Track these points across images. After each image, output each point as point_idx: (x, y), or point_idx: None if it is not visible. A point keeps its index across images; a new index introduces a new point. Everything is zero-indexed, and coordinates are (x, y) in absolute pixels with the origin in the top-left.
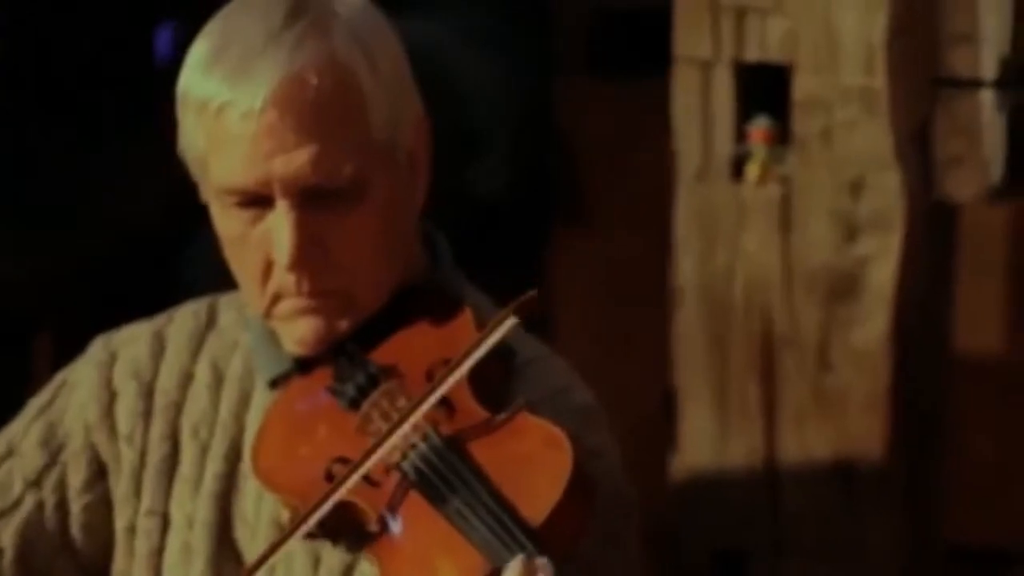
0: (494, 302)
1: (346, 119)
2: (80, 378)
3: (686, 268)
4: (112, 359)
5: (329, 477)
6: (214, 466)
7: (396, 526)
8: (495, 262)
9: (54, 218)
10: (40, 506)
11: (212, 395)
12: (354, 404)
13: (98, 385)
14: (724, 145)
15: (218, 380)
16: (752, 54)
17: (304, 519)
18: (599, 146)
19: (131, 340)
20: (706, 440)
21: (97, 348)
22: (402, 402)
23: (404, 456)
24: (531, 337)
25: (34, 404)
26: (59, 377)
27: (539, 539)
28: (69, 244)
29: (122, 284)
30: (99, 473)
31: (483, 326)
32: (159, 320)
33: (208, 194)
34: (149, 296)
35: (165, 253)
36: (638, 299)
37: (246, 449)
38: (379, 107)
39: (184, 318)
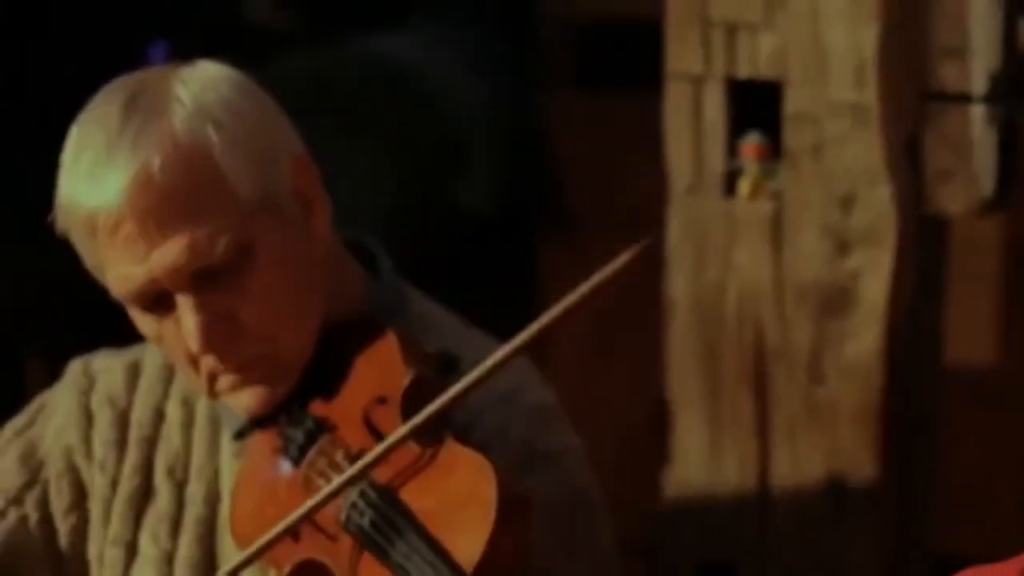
0: (474, 324)
1: (206, 197)
2: (59, 402)
3: (678, 282)
4: (91, 384)
5: (295, 537)
6: (195, 509)
7: None
8: (483, 275)
9: (44, 240)
10: (24, 520)
11: (184, 435)
12: (296, 463)
13: (77, 409)
14: (716, 161)
15: (189, 419)
16: (743, 70)
17: (239, 567)
18: (586, 159)
19: (108, 369)
20: (698, 453)
21: (75, 372)
22: (339, 456)
23: (347, 516)
24: (483, 338)
25: (12, 426)
26: (38, 400)
27: None
28: (59, 266)
29: (112, 307)
30: (82, 495)
31: (411, 348)
32: (135, 350)
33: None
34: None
35: None
36: (626, 311)
37: (223, 492)
38: (240, 171)
39: (156, 349)
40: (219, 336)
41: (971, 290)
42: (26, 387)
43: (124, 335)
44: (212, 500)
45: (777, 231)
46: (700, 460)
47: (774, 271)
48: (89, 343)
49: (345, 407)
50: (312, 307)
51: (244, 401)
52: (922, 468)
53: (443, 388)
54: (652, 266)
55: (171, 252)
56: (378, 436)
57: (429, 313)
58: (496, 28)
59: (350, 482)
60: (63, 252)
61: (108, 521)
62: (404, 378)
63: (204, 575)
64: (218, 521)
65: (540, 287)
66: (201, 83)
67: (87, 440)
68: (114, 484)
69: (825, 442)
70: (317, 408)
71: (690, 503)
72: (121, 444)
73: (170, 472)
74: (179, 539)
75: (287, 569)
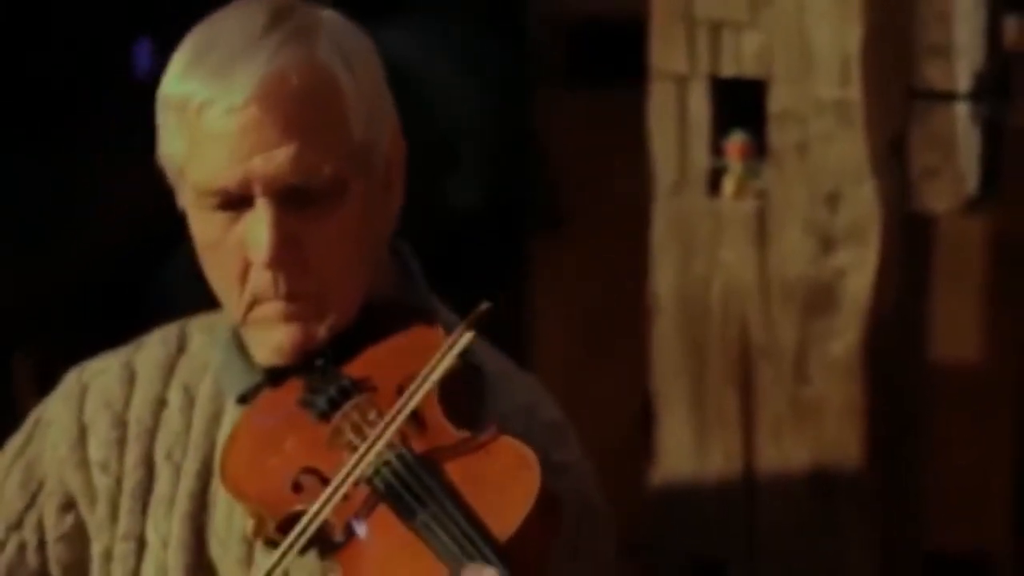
0: (463, 319)
1: (327, 120)
2: (53, 416)
3: (663, 280)
4: (83, 392)
5: (296, 487)
6: (186, 484)
7: (361, 534)
8: (472, 274)
9: (31, 238)
10: (22, 547)
11: (184, 417)
12: (324, 416)
13: (70, 420)
14: (700, 159)
15: (189, 402)
16: (728, 68)
17: (294, 541)
18: (576, 157)
19: (102, 372)
20: (684, 450)
21: (69, 382)
22: (373, 415)
23: (376, 471)
24: (498, 352)
25: (11, 446)
26: (33, 415)
27: (505, 555)
28: (46, 264)
29: (100, 303)
30: (69, 505)
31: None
32: (128, 349)
33: (186, 199)
34: (127, 315)
35: (142, 271)
36: (615, 309)
37: (217, 467)
38: (358, 113)
39: (153, 346)
40: (285, 256)
41: (956, 288)
42: (13, 385)
43: (115, 334)
44: (205, 474)
45: (762, 229)
46: (685, 457)
47: (759, 269)
48: (78, 341)
49: (381, 376)
50: (366, 272)
51: (277, 338)
52: (911, 465)
53: (476, 391)
54: (642, 266)
55: (278, 158)
56: (412, 412)
57: (452, 325)
58: (487, 26)
59: (387, 441)
60: (53, 251)
61: (116, 518)
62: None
63: (192, 557)
64: (208, 496)
65: (531, 284)
66: (340, 26)
67: (81, 449)
68: (119, 481)
69: (811, 439)
70: (351, 371)
71: (676, 500)
72: (121, 442)
73: (168, 456)
74: (172, 519)
75: (280, 517)
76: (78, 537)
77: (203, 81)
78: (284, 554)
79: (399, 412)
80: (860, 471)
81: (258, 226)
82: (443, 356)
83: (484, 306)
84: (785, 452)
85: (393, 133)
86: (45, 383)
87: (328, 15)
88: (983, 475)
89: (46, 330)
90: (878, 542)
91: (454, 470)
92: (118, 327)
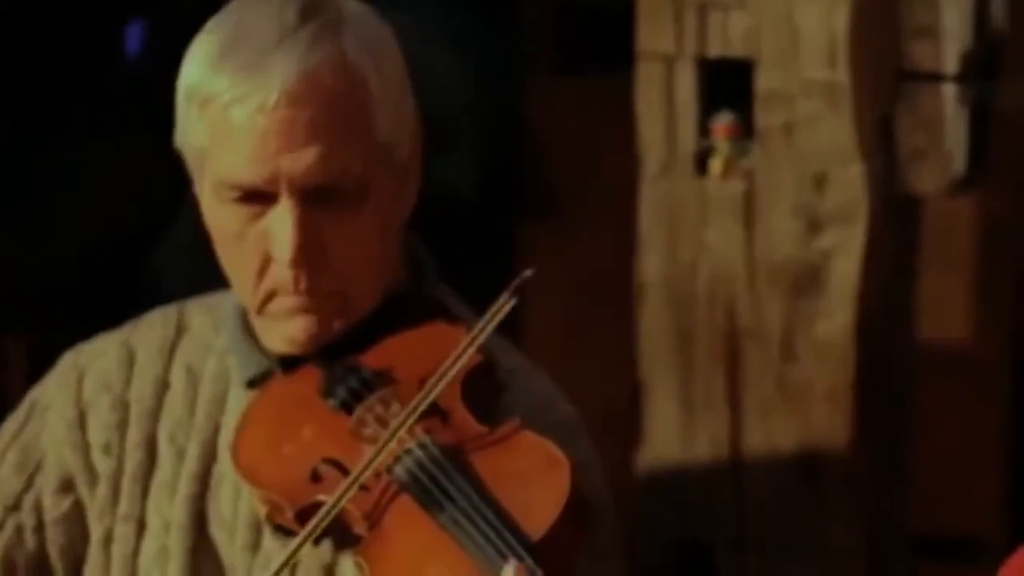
0: (472, 309)
1: (355, 120)
2: (50, 399)
3: (650, 263)
4: (81, 376)
5: (315, 477)
6: (189, 467)
7: (383, 529)
8: (462, 260)
9: (21, 222)
10: (19, 529)
11: (187, 399)
12: (346, 407)
13: (67, 403)
14: (687, 140)
15: (193, 383)
16: (715, 49)
17: (313, 529)
18: (566, 142)
19: (99, 354)
20: (671, 432)
21: (65, 365)
22: (396, 408)
23: (398, 461)
24: (512, 348)
25: (7, 429)
26: (29, 398)
27: (536, 554)
28: (37, 247)
29: (91, 288)
30: (67, 487)
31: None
32: (124, 330)
33: (204, 188)
34: (118, 299)
35: (134, 255)
36: (606, 295)
37: (221, 449)
38: (384, 111)
39: (151, 326)
40: (308, 255)
41: (943, 270)
42: (3, 369)
43: (107, 317)
44: (207, 457)
45: (749, 210)
46: (673, 440)
47: (746, 250)
48: (69, 325)
49: (402, 369)
50: (385, 266)
51: (292, 330)
52: (897, 447)
53: (495, 387)
54: (629, 247)
55: (306, 158)
56: (435, 407)
57: (466, 318)
58: (478, 11)
59: (411, 433)
60: (44, 235)
61: (117, 500)
62: (472, 359)
63: (193, 540)
64: (211, 478)
65: (520, 269)
66: (365, 19)
67: (80, 432)
68: (120, 463)
69: (798, 421)
70: (369, 362)
71: (664, 483)
72: (122, 424)
73: (172, 439)
74: (174, 501)
75: (299, 506)
76: (75, 520)
77: (233, 76)
78: (302, 543)
79: (430, 391)
80: (847, 453)
81: (282, 224)
82: (486, 325)
83: (528, 273)
84: (772, 434)
85: (412, 128)
86: (35, 367)
87: (353, 7)
88: (971, 457)
89: (36, 314)
90: (866, 524)
91: (482, 466)
92: (110, 310)
